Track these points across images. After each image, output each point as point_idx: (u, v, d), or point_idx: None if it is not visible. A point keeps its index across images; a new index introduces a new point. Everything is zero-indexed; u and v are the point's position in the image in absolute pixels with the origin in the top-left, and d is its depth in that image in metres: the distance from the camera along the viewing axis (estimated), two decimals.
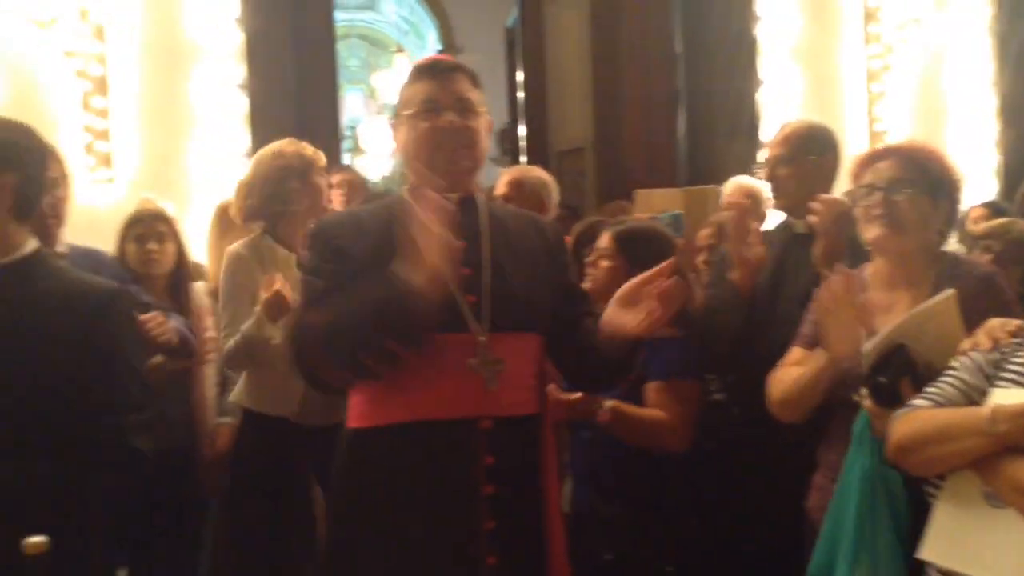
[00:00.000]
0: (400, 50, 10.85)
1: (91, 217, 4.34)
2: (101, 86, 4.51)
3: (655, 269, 1.73)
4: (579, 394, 2.15)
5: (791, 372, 2.03)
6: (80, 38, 4.48)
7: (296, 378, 2.68)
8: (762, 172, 2.59)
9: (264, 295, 2.62)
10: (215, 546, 3.05)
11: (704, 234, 3.42)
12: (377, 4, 13.44)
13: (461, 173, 1.85)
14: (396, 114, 1.89)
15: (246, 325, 2.65)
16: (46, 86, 4.50)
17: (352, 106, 14.95)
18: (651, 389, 2.28)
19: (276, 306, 2.59)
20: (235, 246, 2.85)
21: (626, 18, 5.84)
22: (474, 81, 1.89)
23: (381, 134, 15.03)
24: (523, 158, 6.95)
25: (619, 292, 1.77)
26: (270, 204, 2.83)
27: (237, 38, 4.75)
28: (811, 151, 2.52)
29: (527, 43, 6.88)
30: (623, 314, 1.72)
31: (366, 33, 14.96)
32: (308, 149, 2.90)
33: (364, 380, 1.70)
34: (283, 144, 2.90)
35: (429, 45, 15.07)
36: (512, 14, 7.06)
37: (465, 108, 1.83)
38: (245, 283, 2.74)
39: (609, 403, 2.19)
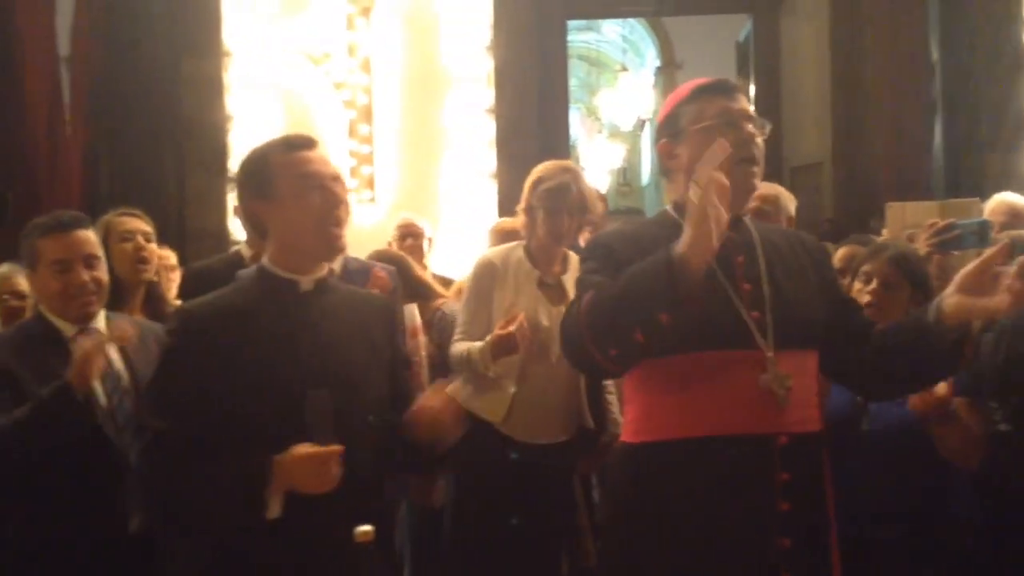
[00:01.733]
0: (624, 69, 10.92)
1: (355, 236, 4.72)
2: (366, 115, 4.92)
3: (994, 251, 1.63)
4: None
5: None
6: (349, 71, 4.91)
7: (507, 387, 2.77)
8: None
9: (497, 330, 2.63)
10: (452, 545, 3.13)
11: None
12: (598, 25, 13.63)
13: (748, 191, 1.85)
14: (676, 131, 1.85)
15: (477, 348, 2.70)
16: (317, 115, 4.97)
17: (571, 124, 15.23)
18: (962, 404, 2.19)
19: (504, 346, 2.60)
20: (488, 253, 2.92)
21: (871, 27, 5.61)
22: (749, 101, 1.89)
23: (598, 152, 15.27)
24: None
25: (959, 279, 1.65)
26: (537, 224, 2.80)
27: (487, 65, 5.04)
28: None
29: (760, 57, 6.76)
30: (973, 300, 1.64)
31: (585, 54, 15.22)
32: (591, 194, 2.87)
33: (634, 357, 1.67)
34: (569, 178, 2.83)
35: (648, 63, 15.12)
36: (744, 28, 6.95)
37: (755, 125, 1.81)
38: (488, 289, 2.79)
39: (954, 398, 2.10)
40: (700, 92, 1.84)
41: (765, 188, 3.36)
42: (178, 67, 5.15)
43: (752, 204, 3.20)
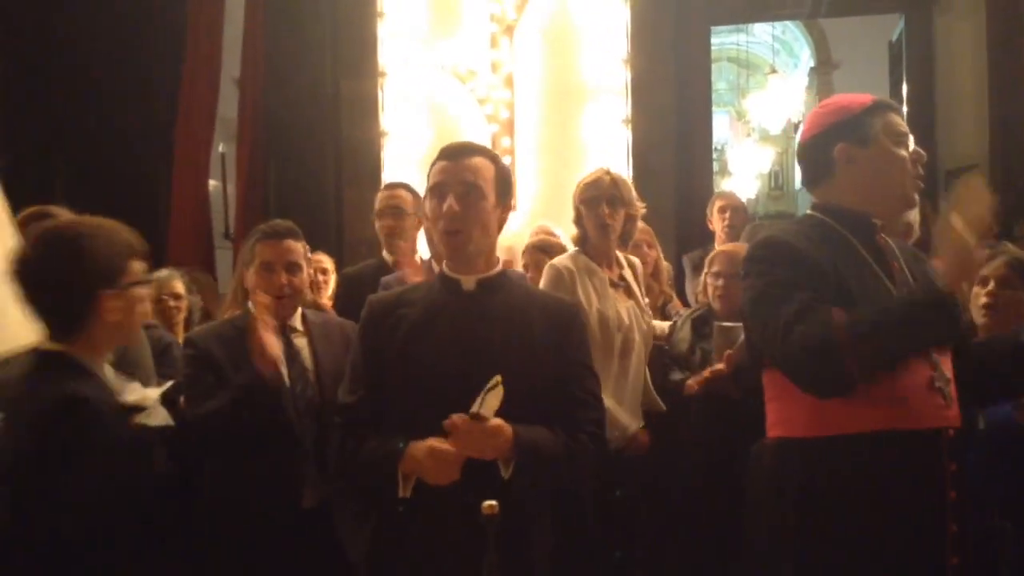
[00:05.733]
0: (773, 71, 10.72)
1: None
2: (508, 128, 5.16)
3: None
4: None
5: None
6: (492, 87, 5.17)
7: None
8: None
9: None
10: None
11: None
12: (749, 26, 13.40)
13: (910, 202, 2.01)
14: (864, 138, 1.93)
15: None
16: (463, 129, 5.24)
17: (719, 128, 15.01)
18: None
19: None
20: (559, 259, 3.00)
21: None
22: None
23: (748, 156, 14.91)
24: None
25: None
26: (584, 223, 3.03)
27: (623, 77, 5.16)
28: None
29: (913, 56, 6.53)
30: None
31: (735, 55, 14.96)
32: (627, 185, 3.07)
33: (879, 376, 1.80)
34: (602, 172, 3.09)
35: (802, 63, 14.73)
36: (897, 28, 6.73)
37: None
38: (571, 294, 2.82)
39: None
40: (881, 107, 1.99)
41: None
42: (337, 88, 5.55)
43: None
